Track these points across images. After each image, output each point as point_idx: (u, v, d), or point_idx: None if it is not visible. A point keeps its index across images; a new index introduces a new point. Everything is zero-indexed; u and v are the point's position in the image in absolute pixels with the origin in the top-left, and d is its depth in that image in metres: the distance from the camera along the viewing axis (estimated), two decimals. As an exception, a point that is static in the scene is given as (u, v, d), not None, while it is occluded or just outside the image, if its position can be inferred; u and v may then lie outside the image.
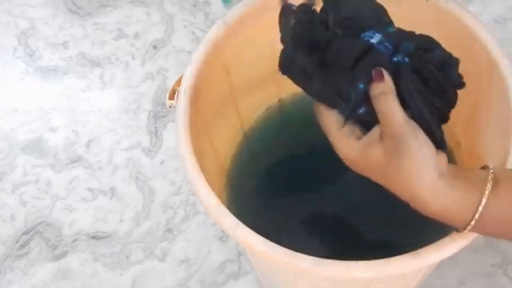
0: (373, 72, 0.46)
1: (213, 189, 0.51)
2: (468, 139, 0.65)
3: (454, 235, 0.47)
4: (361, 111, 0.46)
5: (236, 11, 0.60)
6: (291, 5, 0.49)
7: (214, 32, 0.59)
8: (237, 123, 0.71)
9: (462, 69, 0.62)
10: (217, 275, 0.84)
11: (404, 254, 0.47)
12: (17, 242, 0.88)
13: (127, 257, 0.86)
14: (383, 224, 0.66)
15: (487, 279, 0.81)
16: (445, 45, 0.65)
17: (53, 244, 0.88)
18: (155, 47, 1.03)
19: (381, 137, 0.45)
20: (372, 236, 0.67)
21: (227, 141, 0.70)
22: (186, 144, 0.53)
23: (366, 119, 0.46)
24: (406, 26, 0.64)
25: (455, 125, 0.67)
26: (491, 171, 0.44)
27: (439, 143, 0.47)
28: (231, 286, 0.83)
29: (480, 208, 0.42)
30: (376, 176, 0.46)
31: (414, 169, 0.43)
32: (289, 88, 0.66)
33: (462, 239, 0.47)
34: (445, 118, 0.50)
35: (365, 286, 0.54)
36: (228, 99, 0.66)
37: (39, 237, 0.88)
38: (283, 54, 0.48)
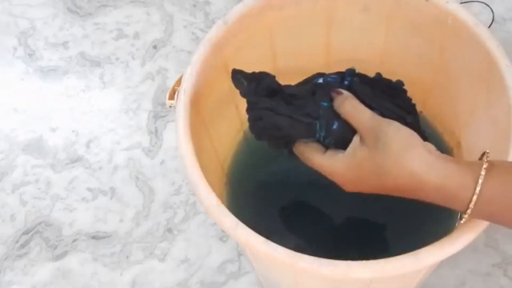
0: (331, 92, 0.51)
1: (213, 189, 0.51)
2: (468, 139, 0.65)
3: (454, 235, 0.47)
4: (335, 126, 0.50)
5: (236, 11, 0.60)
6: (238, 70, 0.54)
7: (214, 32, 0.59)
8: (237, 123, 0.71)
9: (462, 68, 0.63)
10: (217, 275, 0.84)
11: (404, 254, 0.47)
12: (17, 242, 0.88)
13: (127, 257, 0.86)
14: (384, 224, 0.66)
15: (487, 279, 0.81)
16: (444, 44, 0.65)
17: (53, 244, 0.88)
18: (155, 47, 1.03)
19: (361, 140, 0.47)
20: (373, 236, 0.67)
21: (227, 141, 0.70)
22: (186, 144, 0.53)
23: (343, 135, 0.49)
24: (406, 26, 0.64)
25: (455, 125, 0.68)
26: (487, 152, 0.44)
27: (416, 128, 0.49)
28: (231, 286, 0.83)
29: (480, 181, 0.42)
30: (371, 181, 0.46)
31: (402, 147, 0.44)
32: (289, 88, 0.66)
33: (462, 239, 0.47)
34: (412, 109, 0.55)
35: (365, 286, 0.54)
36: (228, 99, 0.66)
37: (39, 237, 0.88)
38: (249, 107, 0.52)
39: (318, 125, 0.50)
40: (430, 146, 0.46)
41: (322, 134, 0.50)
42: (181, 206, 0.89)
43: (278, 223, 0.68)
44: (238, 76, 0.53)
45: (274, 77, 0.53)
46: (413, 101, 0.56)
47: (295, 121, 0.50)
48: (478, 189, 0.42)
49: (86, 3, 1.09)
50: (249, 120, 0.53)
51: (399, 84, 0.55)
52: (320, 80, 0.53)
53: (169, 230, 0.88)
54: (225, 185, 0.70)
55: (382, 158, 0.45)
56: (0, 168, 0.94)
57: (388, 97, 0.53)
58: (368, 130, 0.47)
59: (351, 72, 0.54)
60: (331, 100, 0.51)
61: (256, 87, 0.52)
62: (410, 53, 0.66)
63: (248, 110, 0.52)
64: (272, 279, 0.69)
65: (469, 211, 0.43)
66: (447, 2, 0.58)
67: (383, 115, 0.49)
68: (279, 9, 0.62)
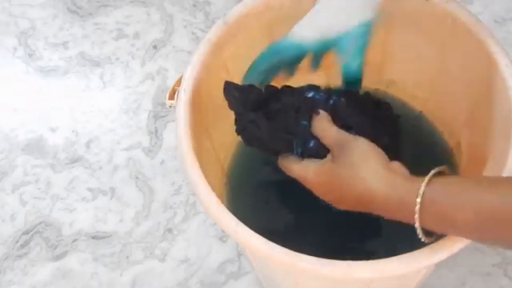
0: (313, 111, 0.55)
1: (213, 189, 0.51)
2: (468, 139, 0.65)
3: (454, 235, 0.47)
4: (311, 145, 0.54)
5: (236, 11, 0.60)
6: (230, 82, 0.56)
7: (214, 32, 0.59)
8: (237, 123, 0.71)
9: (462, 68, 0.63)
10: (217, 275, 0.84)
11: (404, 254, 0.47)
12: (17, 242, 0.88)
13: (127, 257, 0.86)
14: (384, 224, 0.66)
15: (487, 279, 0.81)
16: (444, 44, 0.65)
17: (53, 244, 0.88)
18: (155, 47, 1.03)
19: (332, 158, 0.51)
20: (373, 237, 0.67)
21: (227, 141, 0.70)
22: (186, 144, 0.53)
23: (319, 153, 0.53)
24: (406, 26, 0.64)
25: (455, 125, 0.68)
26: (440, 169, 0.45)
27: (392, 151, 0.51)
28: (231, 286, 0.83)
29: (423, 184, 0.43)
30: (336, 191, 0.49)
31: (359, 159, 0.48)
32: (289, 88, 0.66)
33: (462, 239, 0.47)
34: (393, 129, 0.59)
35: (365, 286, 0.54)
36: (228, 99, 0.66)
37: (39, 237, 0.88)
38: (236, 117, 0.57)
39: (295, 143, 0.54)
40: (392, 164, 0.48)
41: (299, 151, 0.54)
42: (181, 206, 0.89)
43: (278, 222, 0.68)
44: (230, 87, 0.56)
45: (261, 90, 0.57)
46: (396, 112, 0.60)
47: (274, 137, 0.55)
48: (422, 189, 0.43)
49: (86, 3, 1.09)
50: (237, 129, 0.57)
51: (386, 106, 0.60)
52: (310, 94, 0.56)
53: (169, 230, 0.88)
54: (225, 185, 0.70)
55: (342, 168, 0.48)
56: (0, 168, 0.94)
57: (372, 117, 0.56)
58: (334, 144, 0.51)
59: (339, 92, 0.57)
60: (311, 119, 0.54)
61: (245, 99, 0.55)
62: (410, 53, 0.66)
63: (236, 120, 0.57)
64: (272, 279, 0.69)
65: (416, 215, 0.44)
66: (447, 2, 0.58)
67: (360, 135, 0.52)
68: (279, 9, 0.62)
